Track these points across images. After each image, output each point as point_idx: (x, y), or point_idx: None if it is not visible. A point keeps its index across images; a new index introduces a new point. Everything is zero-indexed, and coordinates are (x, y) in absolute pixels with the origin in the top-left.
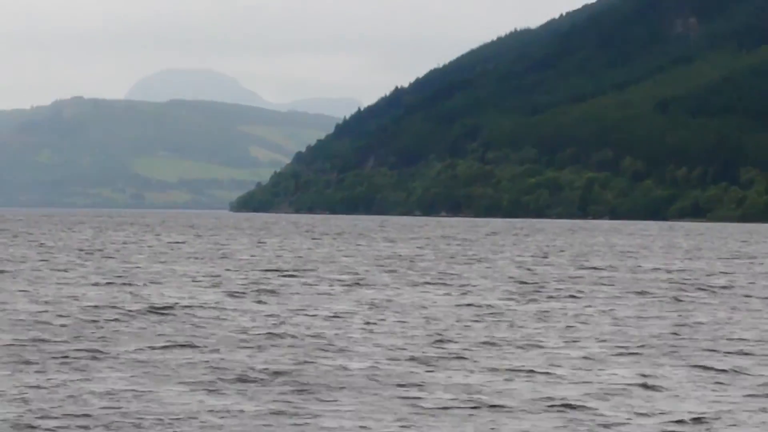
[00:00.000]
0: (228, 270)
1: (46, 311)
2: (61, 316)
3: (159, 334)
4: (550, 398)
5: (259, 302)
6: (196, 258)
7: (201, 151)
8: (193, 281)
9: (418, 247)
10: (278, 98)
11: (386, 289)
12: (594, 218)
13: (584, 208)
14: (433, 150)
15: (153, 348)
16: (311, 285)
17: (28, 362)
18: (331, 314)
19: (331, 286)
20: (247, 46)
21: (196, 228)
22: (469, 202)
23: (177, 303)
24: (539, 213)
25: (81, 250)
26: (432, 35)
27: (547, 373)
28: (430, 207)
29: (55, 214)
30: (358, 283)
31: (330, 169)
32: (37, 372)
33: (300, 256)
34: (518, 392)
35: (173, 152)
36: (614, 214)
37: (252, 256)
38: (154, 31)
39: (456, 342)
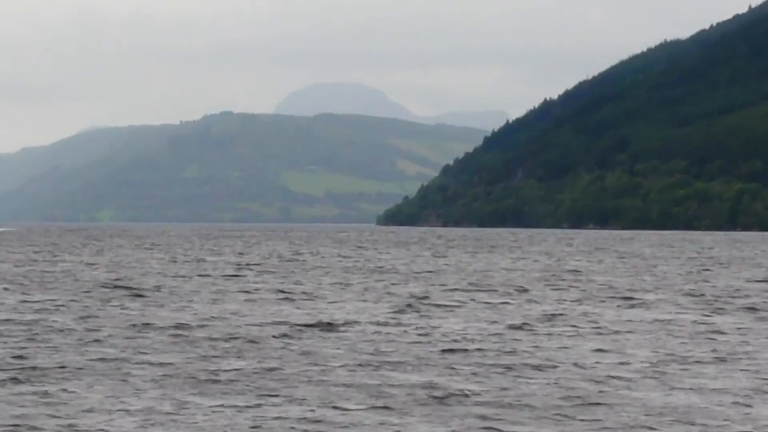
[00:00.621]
0: (391, 284)
1: (213, 326)
2: (228, 333)
3: (332, 351)
4: (758, 420)
5: (428, 317)
6: (356, 272)
7: (348, 165)
8: (356, 296)
9: (576, 260)
10: (425, 111)
11: (554, 303)
12: (743, 230)
13: (734, 220)
14: (581, 162)
15: (328, 366)
16: (476, 300)
17: (199, 382)
18: (503, 329)
19: (496, 300)
20: (394, 59)
21: (348, 241)
22: (618, 214)
23: (345, 318)
24: (688, 225)
25: (239, 265)
26: (581, 47)
27: (754, 390)
28: (578, 219)
29: (205, 228)
30: (524, 298)
31: (478, 181)
32: (212, 394)
33: (460, 270)
34: (717, 413)
35: (320, 166)
36: (763, 226)
37: (411, 270)
38: (303, 45)
39: (639, 358)
